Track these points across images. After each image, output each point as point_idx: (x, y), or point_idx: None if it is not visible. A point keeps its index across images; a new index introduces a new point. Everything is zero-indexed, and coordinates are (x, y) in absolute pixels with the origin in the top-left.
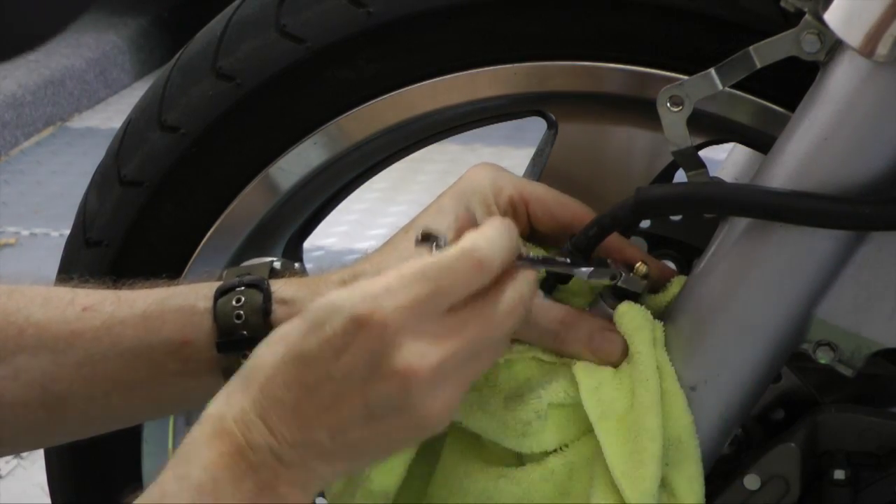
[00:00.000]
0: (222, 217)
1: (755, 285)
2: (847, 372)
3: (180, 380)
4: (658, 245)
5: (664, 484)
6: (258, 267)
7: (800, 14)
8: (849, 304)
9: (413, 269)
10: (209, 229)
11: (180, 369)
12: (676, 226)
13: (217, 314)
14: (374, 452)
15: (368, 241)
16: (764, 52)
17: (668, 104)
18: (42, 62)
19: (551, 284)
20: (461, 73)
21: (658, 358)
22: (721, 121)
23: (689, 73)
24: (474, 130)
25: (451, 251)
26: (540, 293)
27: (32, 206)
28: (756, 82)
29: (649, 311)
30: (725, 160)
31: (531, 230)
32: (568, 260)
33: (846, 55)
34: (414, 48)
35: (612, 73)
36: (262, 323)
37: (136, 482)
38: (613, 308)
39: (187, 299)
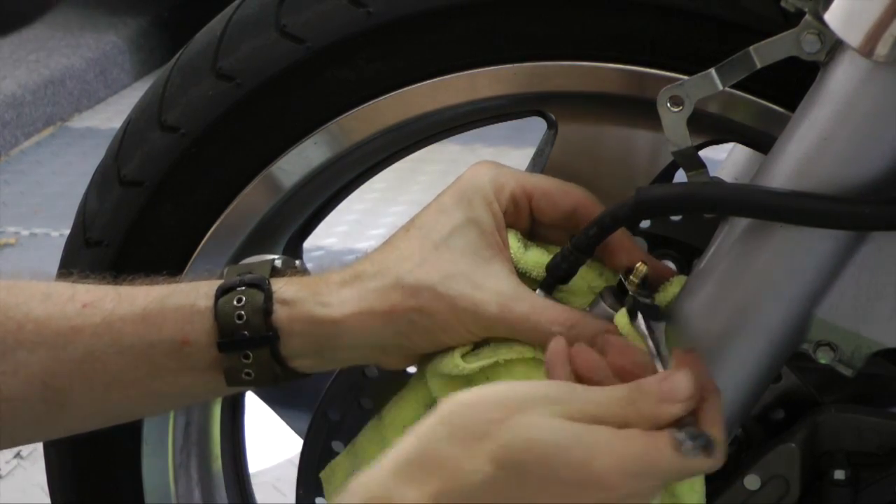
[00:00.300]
0: (222, 217)
1: (755, 285)
2: (847, 372)
3: (180, 377)
4: (658, 245)
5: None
6: (259, 265)
7: (800, 14)
8: (849, 304)
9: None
10: (209, 229)
11: (180, 367)
12: (676, 226)
13: (218, 314)
14: None
15: (368, 241)
16: (764, 52)
17: (668, 104)
18: (42, 62)
19: (551, 284)
20: (461, 73)
21: None
22: (721, 121)
23: (689, 73)
24: (474, 130)
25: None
26: (540, 293)
27: (32, 206)
28: (756, 82)
29: None
30: (725, 160)
31: (536, 222)
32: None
33: (846, 55)
34: (414, 48)
35: (612, 73)
36: (262, 323)
37: (135, 482)
38: (613, 308)
39: (188, 298)
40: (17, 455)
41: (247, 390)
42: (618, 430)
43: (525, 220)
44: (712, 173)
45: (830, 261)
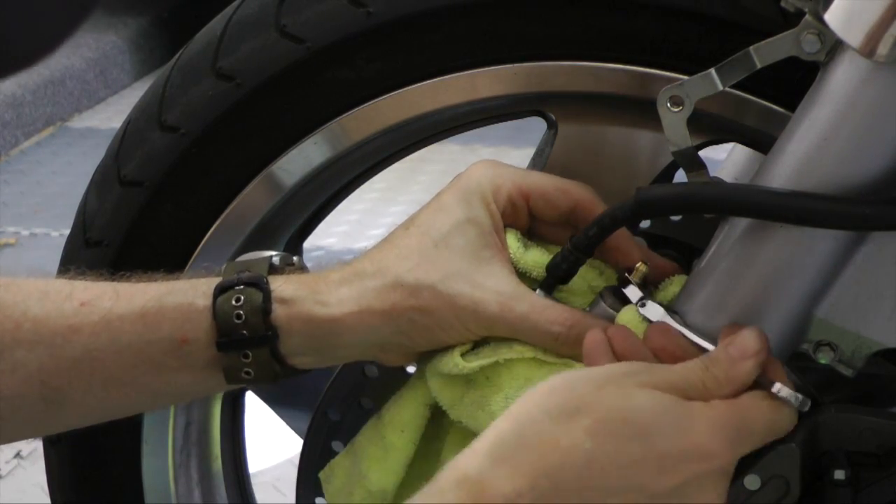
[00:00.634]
0: (222, 217)
1: (755, 285)
2: (847, 372)
3: (179, 376)
4: (658, 245)
5: None
6: (257, 262)
7: (800, 14)
8: (849, 304)
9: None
10: (209, 229)
11: (179, 366)
12: (676, 226)
13: (216, 313)
14: None
15: (368, 241)
16: (764, 53)
17: (668, 104)
18: (42, 62)
19: (551, 284)
20: (461, 73)
21: None
22: (721, 121)
23: (689, 73)
24: (474, 130)
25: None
26: (540, 293)
27: (32, 206)
28: (756, 82)
29: None
30: (725, 160)
31: (536, 221)
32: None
33: (846, 55)
34: (414, 48)
35: (612, 73)
36: (262, 323)
37: (135, 482)
38: (614, 308)
39: (186, 296)
40: (17, 455)
41: (246, 388)
42: (707, 402)
43: (524, 219)
44: (712, 173)
45: (830, 261)
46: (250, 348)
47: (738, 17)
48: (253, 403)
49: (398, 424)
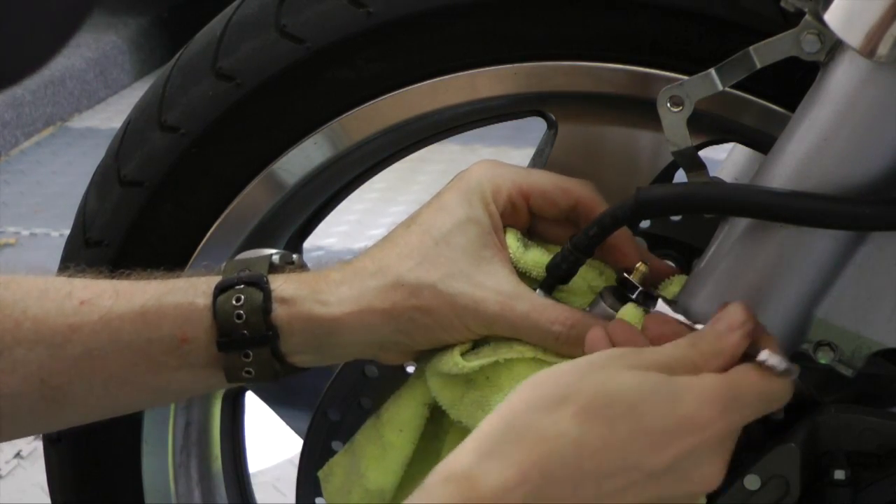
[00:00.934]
0: (222, 217)
1: (755, 285)
2: (847, 372)
3: (179, 374)
4: (658, 245)
5: None
6: (256, 261)
7: (800, 14)
8: (849, 304)
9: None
10: (209, 229)
11: (179, 365)
12: (676, 226)
13: (217, 312)
14: None
15: (368, 241)
16: (764, 53)
17: (668, 104)
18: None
19: (551, 284)
20: (461, 73)
21: None
22: (721, 121)
23: (689, 73)
24: (474, 130)
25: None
26: (540, 293)
27: (32, 206)
28: (756, 82)
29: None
30: (725, 160)
31: (537, 219)
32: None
33: (846, 55)
34: (414, 48)
35: (612, 73)
36: (262, 322)
37: (135, 482)
38: (613, 308)
39: (186, 296)
40: (17, 455)
41: (246, 388)
42: (694, 376)
43: (524, 219)
44: (712, 173)
45: (830, 261)
46: (251, 348)
47: (738, 17)
48: (253, 403)
49: (397, 424)
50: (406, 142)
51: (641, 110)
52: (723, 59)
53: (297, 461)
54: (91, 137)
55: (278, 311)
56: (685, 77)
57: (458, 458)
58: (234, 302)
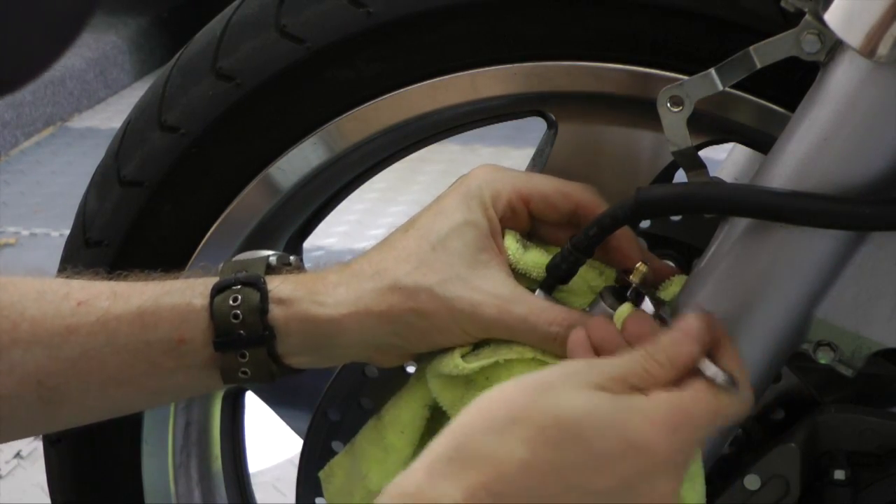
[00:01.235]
0: (222, 217)
1: (755, 285)
2: (847, 372)
3: (176, 375)
4: (658, 245)
5: None
6: (254, 262)
7: (800, 14)
8: (849, 304)
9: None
10: (209, 229)
11: (177, 365)
12: (676, 226)
13: (214, 313)
14: None
15: (368, 241)
16: (764, 53)
17: (668, 104)
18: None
19: (551, 285)
20: (461, 73)
21: None
22: (721, 121)
23: (689, 73)
24: (474, 130)
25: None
26: (539, 293)
27: (32, 206)
28: (756, 82)
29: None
30: (725, 160)
31: (538, 222)
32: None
33: (846, 55)
34: (414, 48)
35: (612, 73)
36: (259, 322)
37: (135, 482)
38: (613, 308)
39: (183, 296)
40: (17, 455)
41: (245, 388)
42: (647, 394)
43: (524, 223)
44: (712, 173)
45: (830, 261)
46: (247, 348)
47: (738, 17)
48: (253, 403)
49: (398, 425)
50: (406, 142)
51: (641, 110)
52: (723, 59)
53: (297, 461)
54: (91, 137)
55: (275, 312)
56: (685, 77)
57: (410, 478)
58: (230, 302)
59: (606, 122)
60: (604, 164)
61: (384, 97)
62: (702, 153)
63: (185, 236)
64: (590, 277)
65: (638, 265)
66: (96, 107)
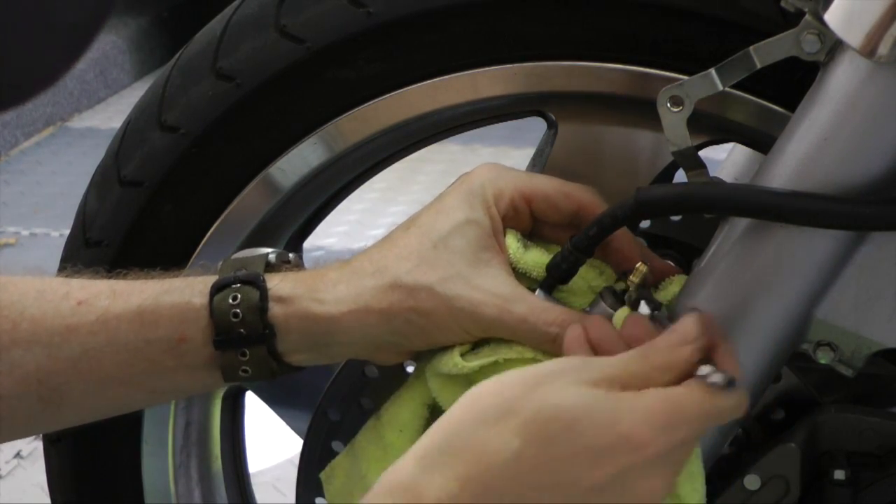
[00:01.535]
0: (222, 217)
1: (755, 285)
2: (847, 372)
3: (176, 374)
4: (658, 245)
5: None
6: (253, 260)
7: (800, 14)
8: (849, 304)
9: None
10: (209, 229)
11: (177, 364)
12: (676, 226)
13: (213, 311)
14: None
15: (368, 241)
16: (764, 53)
17: (668, 104)
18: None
19: (551, 284)
20: (461, 73)
21: None
22: (721, 121)
23: (689, 73)
24: (474, 130)
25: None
26: (539, 293)
27: (32, 206)
28: (756, 82)
29: None
30: (725, 160)
31: (539, 223)
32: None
33: (846, 55)
34: (414, 48)
35: (612, 73)
36: (259, 321)
37: (135, 482)
38: (613, 308)
39: (183, 295)
40: (17, 455)
41: (246, 388)
42: (639, 391)
43: (526, 223)
44: (712, 173)
45: (830, 261)
46: (247, 346)
47: (738, 17)
48: (253, 403)
49: (397, 424)
50: (406, 142)
51: (641, 110)
52: (723, 59)
53: (297, 461)
54: (91, 137)
55: (275, 310)
56: (685, 77)
57: (402, 469)
58: (230, 300)
59: (606, 122)
60: (604, 164)
61: (384, 97)
62: (702, 153)
63: (185, 236)
64: (590, 277)
65: (638, 265)
66: (96, 107)
